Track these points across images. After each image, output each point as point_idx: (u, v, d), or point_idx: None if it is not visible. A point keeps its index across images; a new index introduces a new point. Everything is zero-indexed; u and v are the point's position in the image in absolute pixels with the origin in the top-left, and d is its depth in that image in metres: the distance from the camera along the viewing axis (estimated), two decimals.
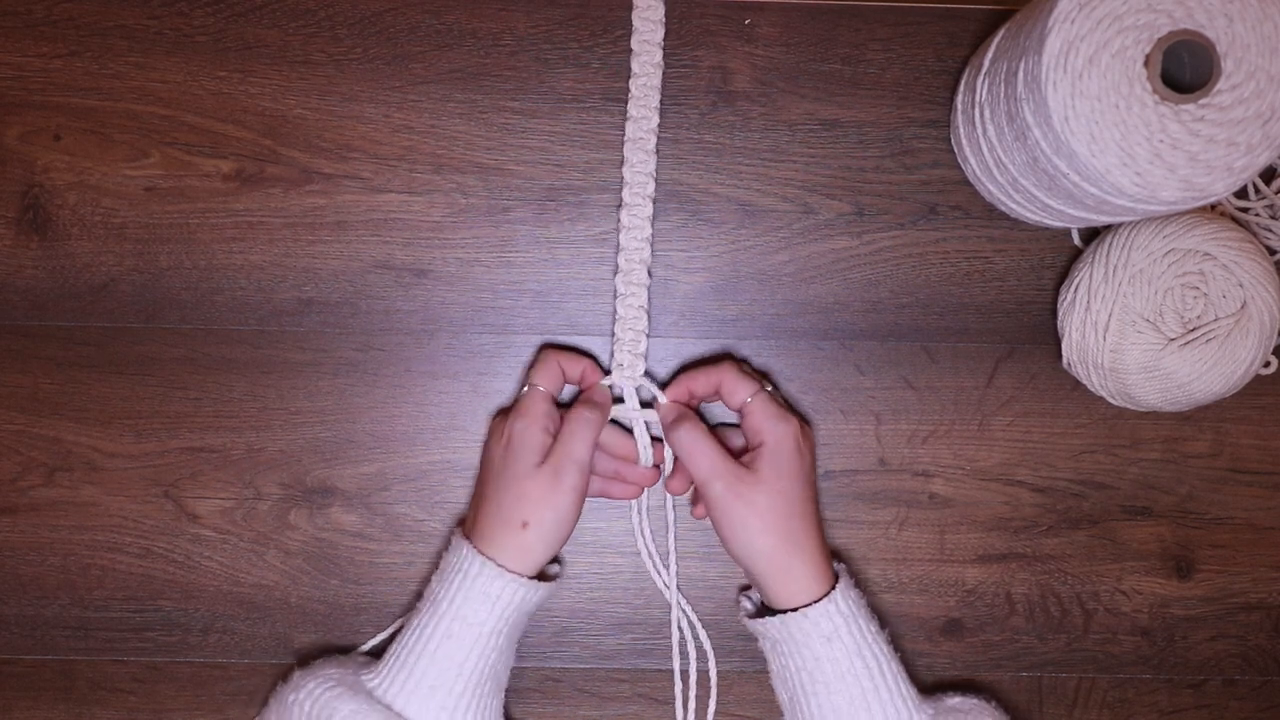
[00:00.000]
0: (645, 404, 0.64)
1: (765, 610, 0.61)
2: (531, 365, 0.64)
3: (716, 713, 0.64)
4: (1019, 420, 0.66)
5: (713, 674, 0.64)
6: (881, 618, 0.62)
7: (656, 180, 0.64)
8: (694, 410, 0.63)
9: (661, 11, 0.64)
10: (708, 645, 0.64)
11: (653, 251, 0.64)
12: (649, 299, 0.64)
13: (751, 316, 0.65)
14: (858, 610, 0.59)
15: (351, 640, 0.65)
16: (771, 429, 0.59)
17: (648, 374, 0.64)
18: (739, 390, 0.61)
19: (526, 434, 0.59)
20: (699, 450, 0.59)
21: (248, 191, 0.64)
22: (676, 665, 0.64)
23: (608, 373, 0.64)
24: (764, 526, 0.58)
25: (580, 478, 0.59)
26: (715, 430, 0.64)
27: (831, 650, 0.57)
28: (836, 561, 0.62)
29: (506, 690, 0.63)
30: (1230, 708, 0.67)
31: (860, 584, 0.63)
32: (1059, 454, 0.66)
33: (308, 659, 0.63)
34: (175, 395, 0.65)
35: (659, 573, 0.65)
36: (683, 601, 0.65)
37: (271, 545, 0.65)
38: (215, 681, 0.65)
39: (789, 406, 0.63)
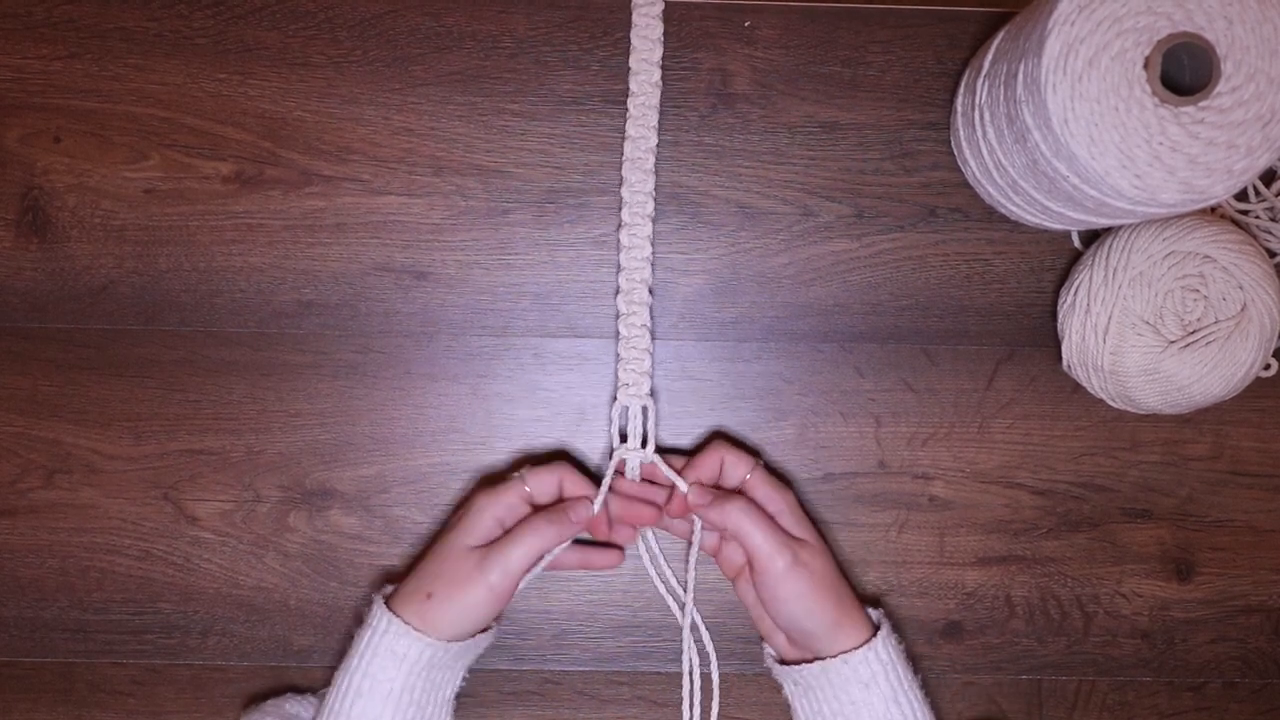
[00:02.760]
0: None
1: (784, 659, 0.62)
2: (537, 461, 0.63)
3: (717, 715, 0.64)
4: (1019, 423, 0.66)
5: (715, 676, 0.64)
6: (915, 664, 0.63)
7: (656, 182, 0.64)
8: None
9: (660, 30, 0.64)
10: (710, 649, 0.64)
11: (653, 270, 0.64)
12: (651, 317, 0.64)
13: (751, 319, 0.65)
14: (897, 658, 0.59)
15: (349, 643, 0.65)
16: (781, 496, 0.61)
17: (659, 450, 0.63)
18: (740, 466, 0.62)
19: (481, 513, 0.59)
20: (759, 528, 0.59)
21: (247, 194, 0.64)
22: (686, 669, 0.64)
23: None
24: (822, 591, 0.59)
25: (504, 583, 0.57)
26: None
27: (869, 696, 0.58)
28: (874, 608, 0.62)
29: (505, 693, 0.63)
30: (1230, 710, 0.67)
31: (897, 627, 0.64)
32: (1059, 456, 0.66)
33: (259, 698, 0.64)
34: (174, 397, 0.65)
35: (669, 592, 0.64)
36: (690, 607, 0.65)
37: (271, 547, 0.65)
38: (214, 684, 0.65)
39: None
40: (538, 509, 0.61)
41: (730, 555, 0.62)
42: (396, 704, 0.57)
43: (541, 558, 0.59)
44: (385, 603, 0.59)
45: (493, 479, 0.63)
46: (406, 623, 0.57)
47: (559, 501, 0.61)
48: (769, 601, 0.59)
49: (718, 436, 0.65)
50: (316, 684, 0.65)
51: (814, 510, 0.66)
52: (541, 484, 0.61)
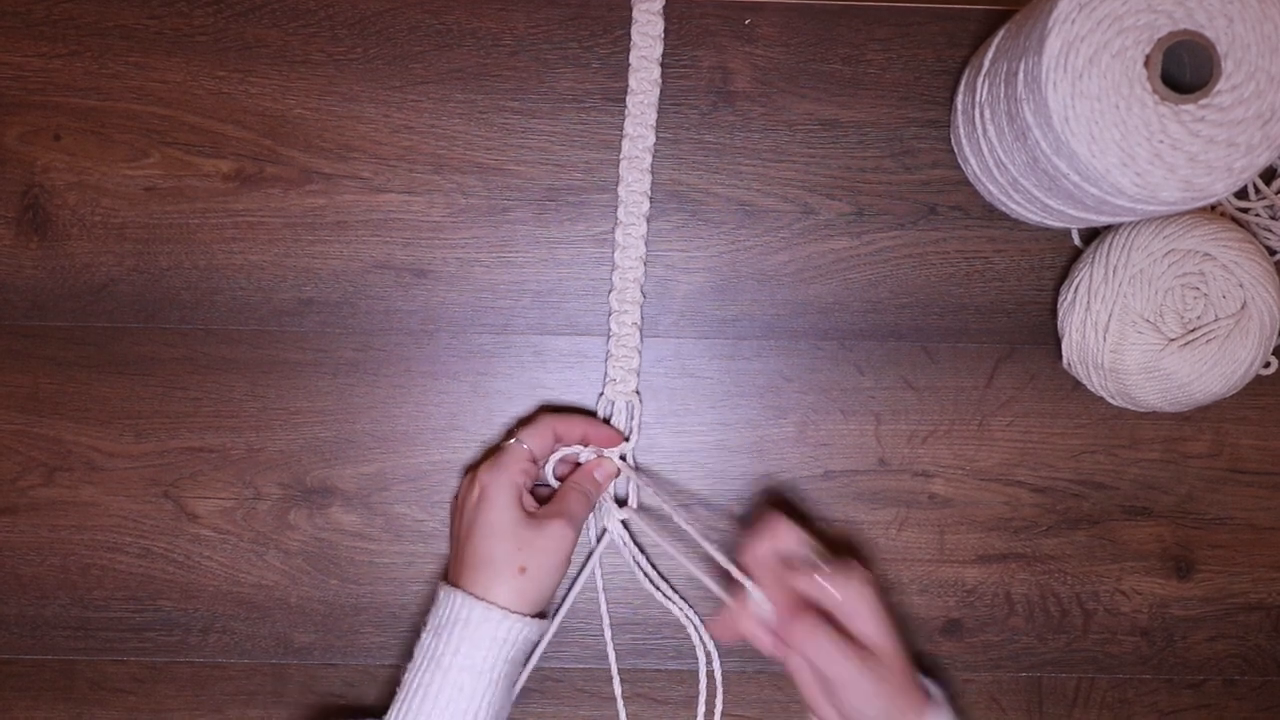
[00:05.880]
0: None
1: None
2: (524, 421, 0.64)
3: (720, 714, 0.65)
4: (1019, 420, 0.66)
5: (718, 674, 0.64)
6: None
7: (656, 180, 0.64)
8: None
9: (660, 27, 0.64)
10: (711, 647, 0.64)
11: (646, 271, 0.64)
12: (642, 316, 0.64)
13: (751, 317, 0.65)
14: None
15: (350, 641, 0.65)
16: (858, 592, 0.57)
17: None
18: (798, 550, 0.59)
19: (503, 486, 0.59)
20: (839, 656, 0.56)
21: (247, 192, 0.64)
22: (702, 668, 0.64)
23: (615, 430, 0.64)
24: (899, 693, 0.56)
25: (574, 533, 0.59)
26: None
27: None
28: (930, 679, 0.60)
29: None
30: (1230, 708, 0.67)
31: (953, 697, 0.62)
32: (1058, 454, 0.66)
33: None
34: (175, 395, 0.65)
35: (656, 586, 0.65)
36: (683, 605, 0.65)
37: (271, 545, 0.65)
38: (215, 681, 0.65)
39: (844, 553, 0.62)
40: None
41: (801, 668, 0.58)
42: (492, 694, 0.57)
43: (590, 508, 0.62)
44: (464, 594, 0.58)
45: (474, 467, 0.63)
46: (502, 607, 0.57)
47: (553, 452, 0.63)
48: (847, 712, 0.57)
49: (769, 506, 0.63)
50: (318, 682, 0.65)
51: (814, 508, 0.66)
52: (535, 438, 0.61)
